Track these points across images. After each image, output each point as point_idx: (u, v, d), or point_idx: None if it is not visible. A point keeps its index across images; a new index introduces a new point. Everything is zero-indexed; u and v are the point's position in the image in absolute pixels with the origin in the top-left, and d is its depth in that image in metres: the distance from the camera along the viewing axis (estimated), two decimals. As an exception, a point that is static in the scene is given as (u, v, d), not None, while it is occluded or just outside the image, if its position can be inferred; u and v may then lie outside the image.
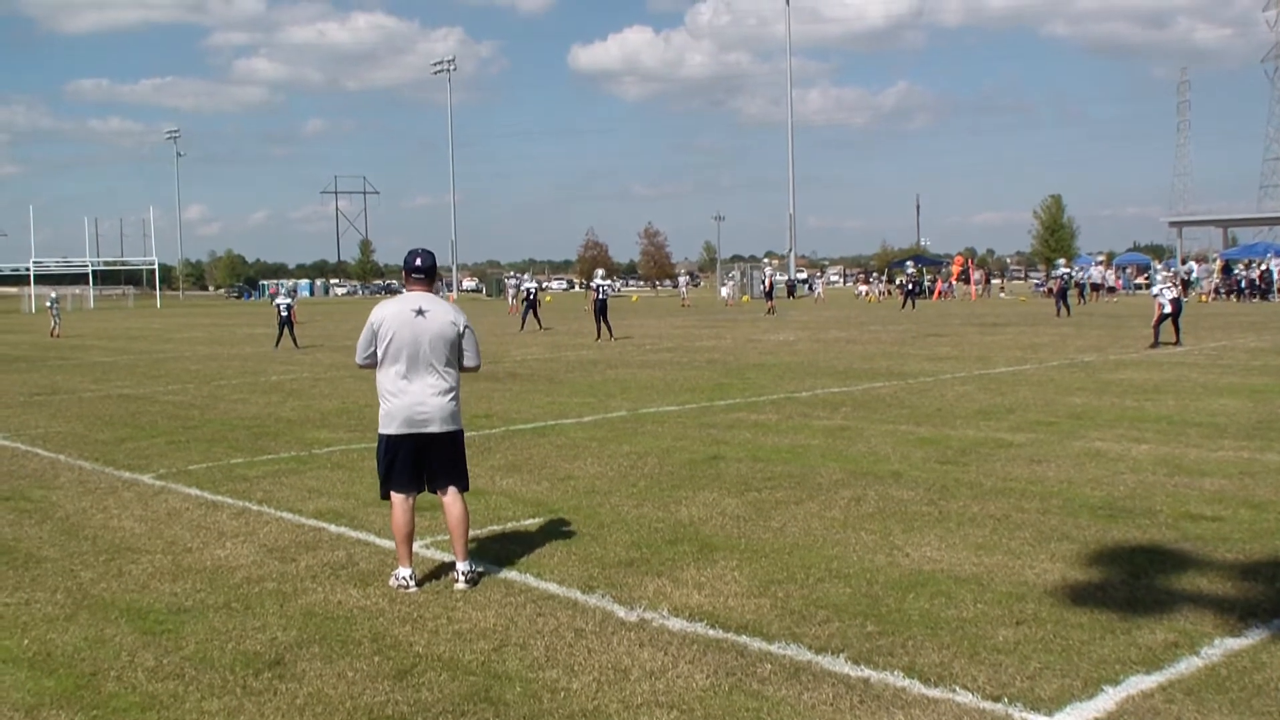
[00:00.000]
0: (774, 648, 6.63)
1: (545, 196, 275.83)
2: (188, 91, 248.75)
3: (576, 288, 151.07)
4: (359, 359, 8.28)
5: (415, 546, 8.48)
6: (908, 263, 71.72)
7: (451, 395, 8.17)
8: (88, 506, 11.31)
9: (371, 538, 9.62)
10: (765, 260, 73.34)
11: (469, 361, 8.39)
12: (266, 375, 25.66)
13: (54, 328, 49.58)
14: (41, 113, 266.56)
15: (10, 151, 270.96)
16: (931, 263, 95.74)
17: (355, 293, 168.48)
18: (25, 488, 12.46)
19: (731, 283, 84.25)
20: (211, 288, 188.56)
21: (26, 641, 7.14)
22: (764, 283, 62.75)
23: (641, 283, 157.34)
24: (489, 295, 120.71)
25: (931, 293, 75.95)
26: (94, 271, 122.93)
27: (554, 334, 39.91)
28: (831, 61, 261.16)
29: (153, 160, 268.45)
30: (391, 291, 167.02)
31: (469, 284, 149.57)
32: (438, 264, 8.44)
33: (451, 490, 8.20)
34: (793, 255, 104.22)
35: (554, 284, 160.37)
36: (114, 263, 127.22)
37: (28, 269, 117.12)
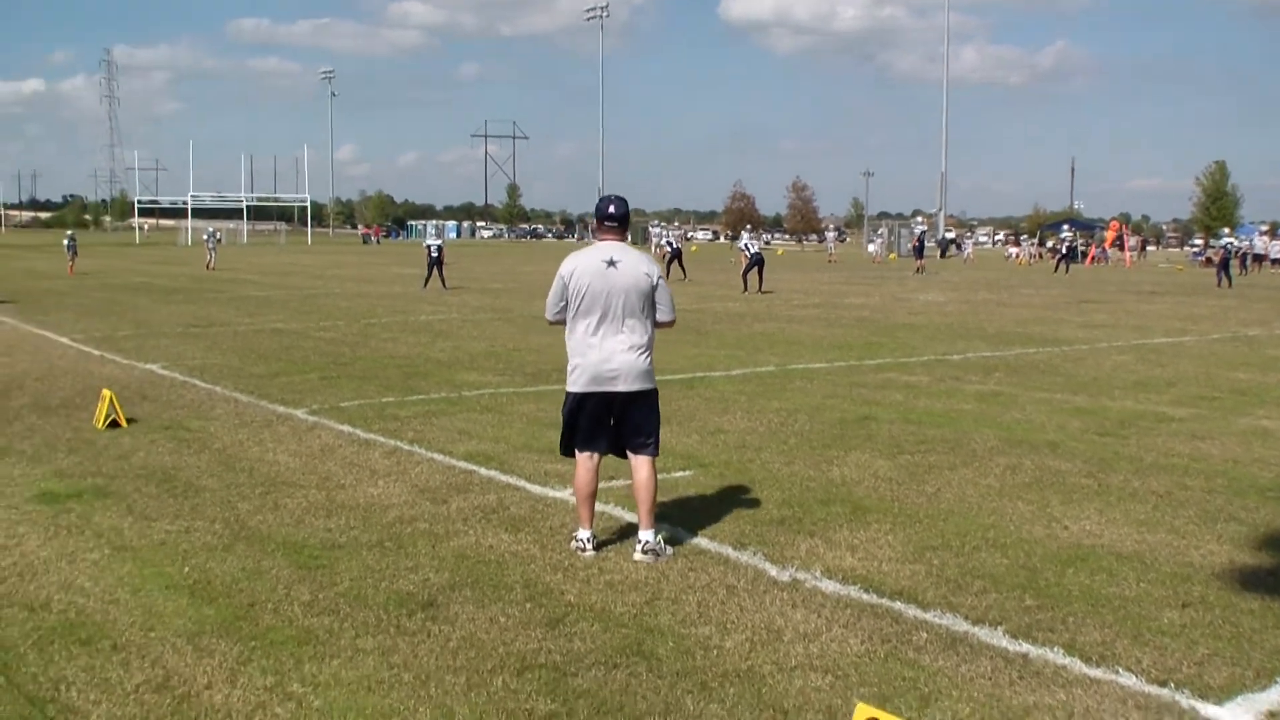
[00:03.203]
0: (930, 616, 6.50)
1: (692, 147, 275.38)
2: (344, 33, 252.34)
3: (721, 239, 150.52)
4: (549, 315, 7.99)
5: (568, 498, 8.45)
6: (1063, 226, 70.32)
7: (643, 352, 7.68)
8: (244, 439, 11.49)
9: (522, 483, 9.63)
10: (916, 219, 72.13)
11: (663, 316, 7.86)
12: (416, 315, 25.95)
13: (210, 261, 50.66)
14: (203, 51, 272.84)
15: (173, 89, 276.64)
16: (1085, 227, 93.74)
17: (501, 235, 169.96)
18: (183, 418, 12.70)
19: (879, 240, 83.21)
20: (361, 226, 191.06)
21: (187, 569, 7.25)
22: (913, 241, 61.91)
23: (787, 237, 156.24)
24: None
25: (1084, 258, 74.30)
26: (248, 207, 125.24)
27: (698, 285, 39.76)
28: (989, 18, 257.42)
29: (308, 100, 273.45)
30: (536, 236, 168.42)
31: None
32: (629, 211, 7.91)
33: (639, 454, 7.78)
34: (942, 215, 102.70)
35: (699, 234, 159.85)
36: (266, 199, 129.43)
37: (185, 203, 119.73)
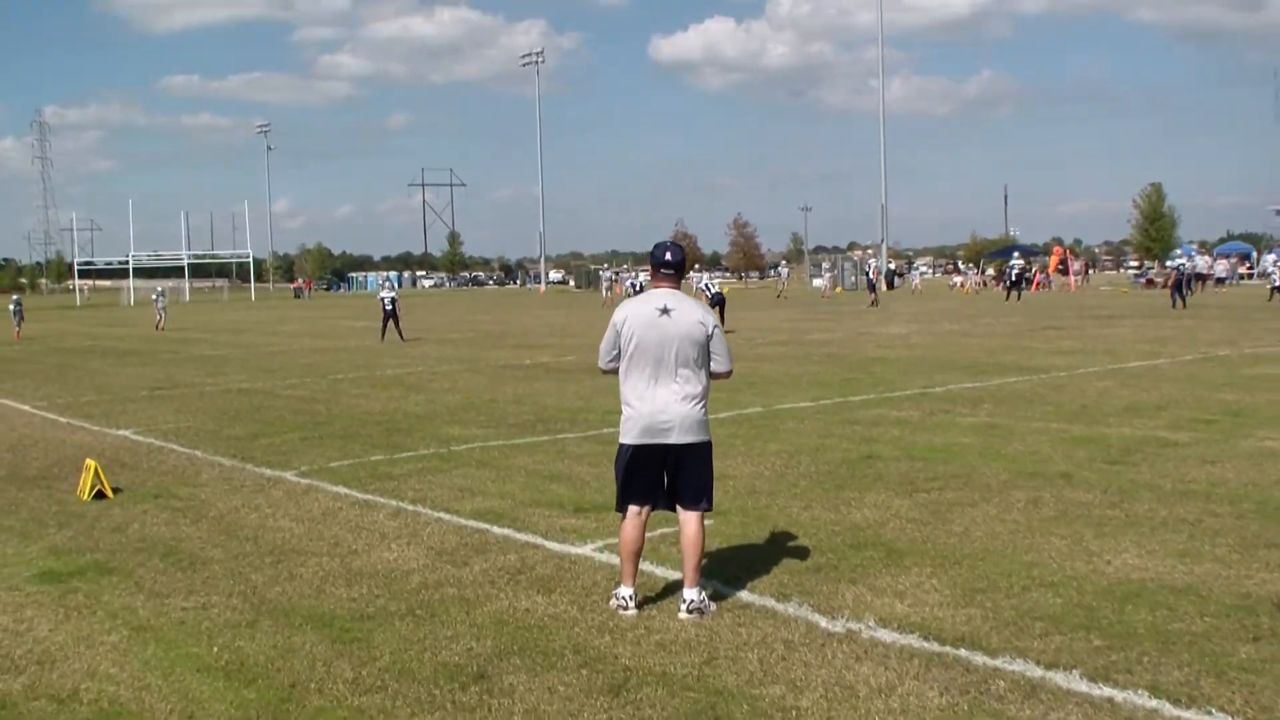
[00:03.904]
0: (1000, 662, 6.28)
1: (627, 188, 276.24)
2: (275, 86, 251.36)
3: (626, 280, 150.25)
4: (601, 363, 7.72)
5: (591, 550, 8.20)
6: (1013, 253, 70.80)
7: (698, 402, 7.41)
8: (239, 505, 11.16)
9: (540, 540, 9.36)
10: (866, 251, 72.34)
11: (719, 366, 7.55)
12: (381, 369, 25.56)
13: (159, 321, 49.95)
14: (135, 110, 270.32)
15: (106, 147, 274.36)
16: (1028, 253, 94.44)
17: (443, 284, 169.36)
18: (170, 485, 12.35)
19: (828, 274, 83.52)
20: (301, 280, 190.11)
21: (216, 649, 6.93)
22: (869, 274, 62.13)
23: (728, 274, 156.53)
24: (579, 287, 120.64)
25: (1030, 284, 74.79)
26: (188, 265, 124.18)
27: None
28: (914, 51, 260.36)
29: (242, 155, 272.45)
30: (478, 283, 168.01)
31: (555, 275, 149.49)
32: (679, 258, 7.72)
33: (691, 509, 7.49)
34: (884, 246, 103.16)
35: (642, 276, 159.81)
36: (204, 256, 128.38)
37: (124, 262, 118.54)
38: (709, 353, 7.49)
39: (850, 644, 6.66)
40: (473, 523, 10.03)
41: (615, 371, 7.64)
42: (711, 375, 7.57)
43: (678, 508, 7.56)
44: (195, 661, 6.75)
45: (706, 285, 36.51)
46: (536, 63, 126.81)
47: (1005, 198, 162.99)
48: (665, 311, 7.39)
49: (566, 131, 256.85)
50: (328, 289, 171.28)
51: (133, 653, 6.95)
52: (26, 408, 20.23)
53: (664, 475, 7.53)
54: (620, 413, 7.61)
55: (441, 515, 10.37)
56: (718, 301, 34.80)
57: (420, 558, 8.94)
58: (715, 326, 7.58)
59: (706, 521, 8.89)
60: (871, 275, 60.73)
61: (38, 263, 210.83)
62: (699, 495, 7.52)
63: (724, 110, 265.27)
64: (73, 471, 12.99)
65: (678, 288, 7.62)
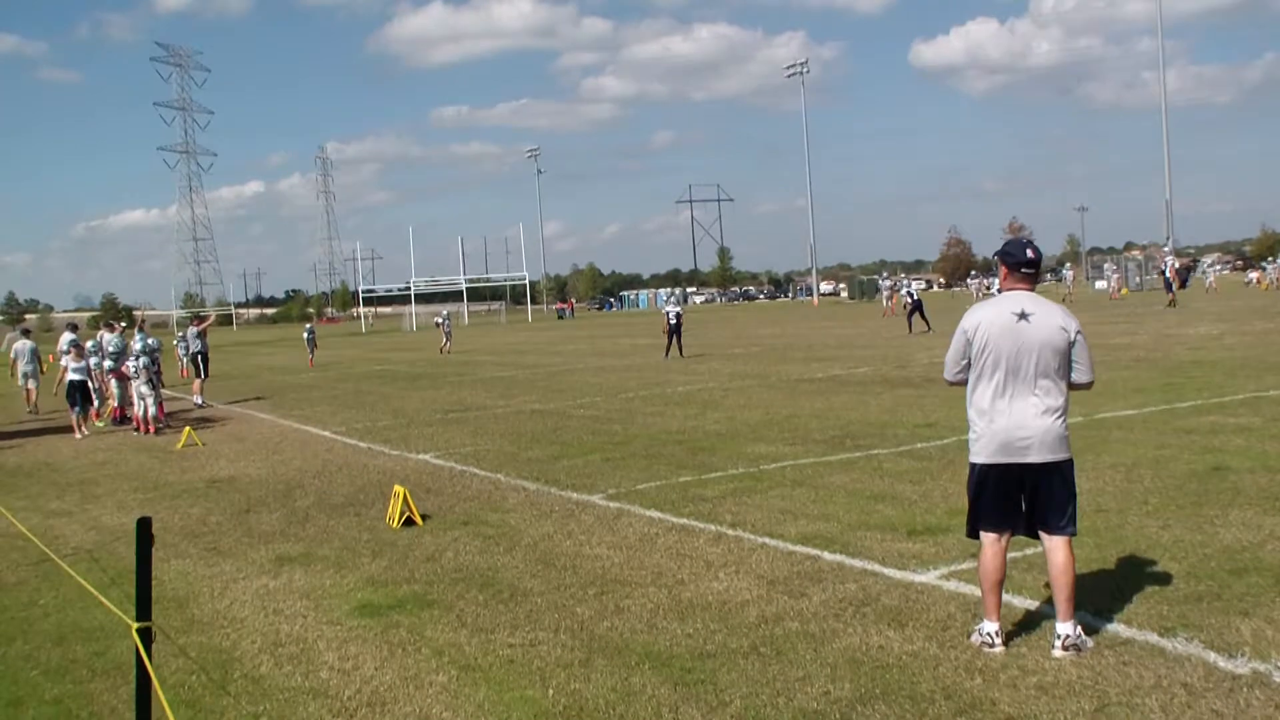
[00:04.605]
0: None
1: (893, 196, 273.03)
2: (541, 112, 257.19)
3: (935, 287, 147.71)
4: (949, 375, 7.04)
5: (948, 582, 7.46)
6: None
7: (1059, 416, 6.69)
8: (551, 531, 10.77)
9: (878, 567, 8.67)
10: (1160, 249, 69.32)
11: (1080, 376, 6.84)
12: (671, 386, 25.17)
13: (445, 344, 50.94)
14: (409, 141, 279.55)
15: (382, 179, 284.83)
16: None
17: (714, 300, 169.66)
18: (478, 510, 12.08)
19: (1115, 274, 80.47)
20: (564, 301, 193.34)
21: (551, 692, 6.46)
22: (1164, 271, 59.43)
23: (982, 278, 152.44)
24: (852, 298, 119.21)
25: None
26: (465, 289, 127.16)
27: (946, 335, 38.27)
28: (1189, 39, 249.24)
29: (511, 180, 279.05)
30: (749, 298, 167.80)
31: (826, 287, 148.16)
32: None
33: (1056, 534, 6.73)
34: (1171, 243, 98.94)
35: (915, 284, 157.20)
36: (480, 280, 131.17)
37: (405, 288, 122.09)
38: (1071, 361, 6.70)
39: (1264, 689, 5.81)
40: (801, 548, 9.40)
41: (963, 383, 6.92)
42: (1072, 386, 6.79)
43: (1040, 533, 6.80)
44: (532, 706, 6.30)
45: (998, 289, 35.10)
46: (801, 73, 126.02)
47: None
48: (1024, 316, 6.66)
49: (830, 142, 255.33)
50: (600, 308, 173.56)
51: (464, 694, 6.55)
52: (327, 434, 20.49)
53: (1022, 497, 6.76)
54: (966, 428, 6.92)
55: (765, 540, 9.76)
56: (917, 307, 33.35)
57: (752, 588, 8.34)
58: (1078, 332, 6.77)
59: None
60: (1168, 274, 57.86)
61: (323, 292, 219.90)
62: (1064, 518, 6.75)
63: (990, 113, 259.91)
64: (379, 498, 12.89)
65: (1033, 289, 6.85)
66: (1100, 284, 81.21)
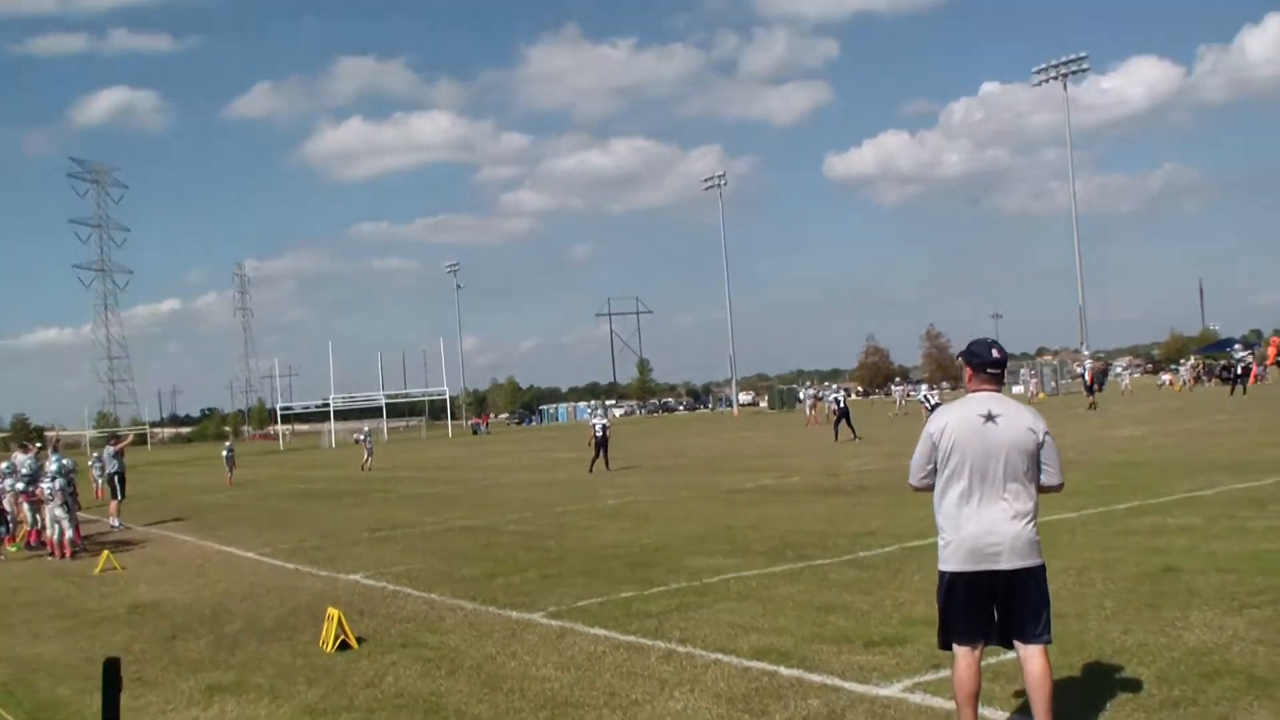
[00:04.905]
0: None
1: (809, 305, 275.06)
2: (459, 227, 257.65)
3: (853, 395, 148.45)
4: (913, 479, 6.81)
5: (915, 695, 7.20)
6: (1235, 345, 68.10)
7: (1029, 520, 6.47)
8: (494, 652, 10.41)
9: (838, 681, 8.40)
10: (1075, 353, 70.26)
11: (1050, 479, 6.64)
12: (601, 500, 24.82)
13: (366, 461, 50.30)
14: (327, 258, 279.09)
15: (301, 295, 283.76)
16: (1225, 347, 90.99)
17: (634, 412, 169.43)
18: (416, 632, 11.69)
19: (1034, 378, 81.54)
20: (493, 415, 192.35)
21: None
22: (1084, 375, 60.20)
23: (907, 386, 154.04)
24: (772, 408, 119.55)
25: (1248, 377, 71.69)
26: (385, 405, 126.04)
27: (874, 443, 38.30)
28: (1093, 149, 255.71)
29: (430, 295, 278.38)
30: (668, 409, 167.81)
31: (745, 398, 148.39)
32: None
33: (1032, 643, 6.50)
34: (1085, 348, 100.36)
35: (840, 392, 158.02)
36: (398, 396, 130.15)
37: (324, 405, 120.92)
38: (1039, 463, 6.51)
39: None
40: (756, 663, 9.11)
41: (929, 489, 6.71)
42: (1041, 489, 6.61)
43: (1015, 642, 6.56)
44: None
45: (926, 397, 35.34)
46: (719, 185, 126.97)
47: (1200, 291, 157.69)
48: (991, 418, 6.49)
49: (746, 253, 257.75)
50: (520, 422, 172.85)
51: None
52: (251, 555, 19.95)
53: (994, 605, 6.53)
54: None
55: (718, 656, 9.47)
56: (844, 415, 33.75)
57: (712, 707, 8.05)
58: (1046, 434, 6.60)
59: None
60: (1087, 378, 58.56)
61: (240, 410, 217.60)
62: (1039, 626, 6.52)
63: (903, 222, 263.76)
64: (311, 621, 12.46)
65: (1000, 390, 6.69)
66: (1017, 388, 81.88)
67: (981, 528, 6.38)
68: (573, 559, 15.91)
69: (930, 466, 6.61)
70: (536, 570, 15.09)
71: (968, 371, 6.74)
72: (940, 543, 6.58)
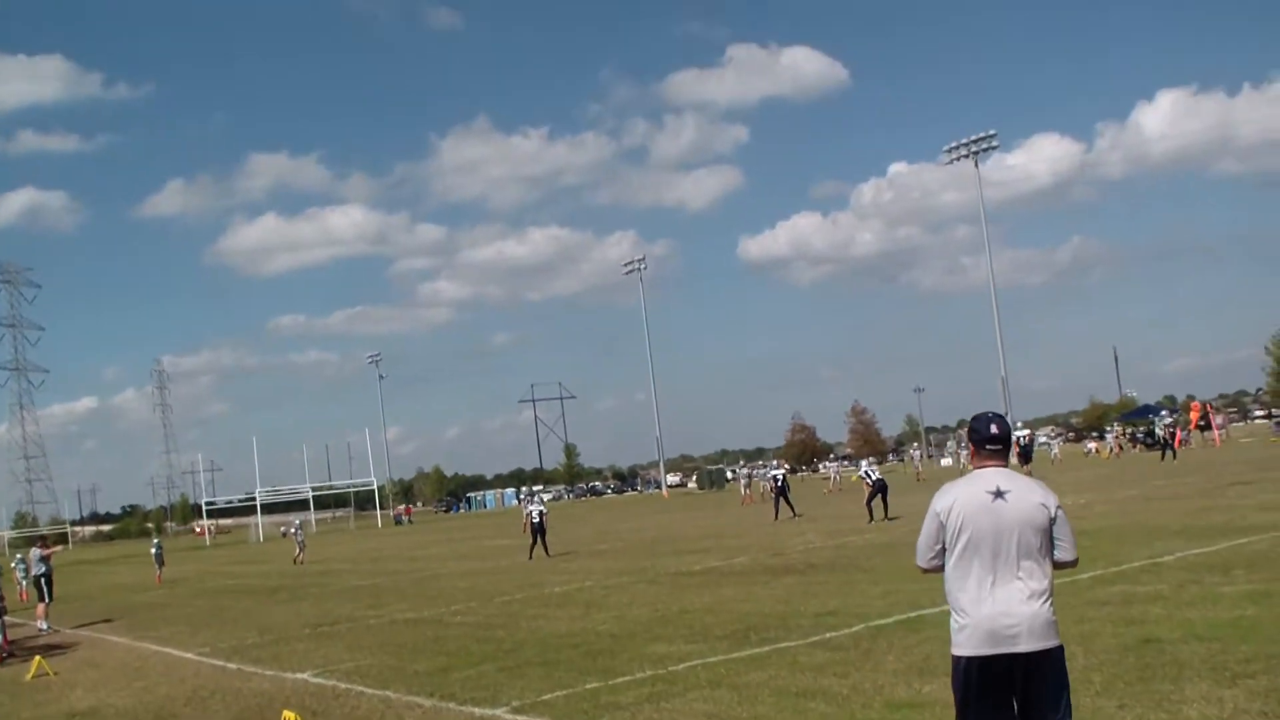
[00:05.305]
0: None
1: (730, 386, 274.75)
2: (378, 318, 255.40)
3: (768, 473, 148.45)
4: (922, 562, 6.45)
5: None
6: (1163, 412, 68.85)
7: (1046, 599, 6.13)
8: (463, 753, 9.97)
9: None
10: (1018, 423, 70.81)
11: (1064, 554, 6.31)
12: (546, 587, 24.31)
13: (298, 554, 49.34)
14: (246, 352, 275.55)
15: (220, 390, 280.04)
16: (1151, 412, 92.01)
17: (561, 497, 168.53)
18: (375, 734, 11.21)
19: (965, 451, 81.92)
20: (420, 503, 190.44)
21: None
22: (1021, 443, 60.55)
23: (845, 462, 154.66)
24: (702, 488, 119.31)
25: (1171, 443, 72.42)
26: (311, 497, 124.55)
27: (814, 520, 38.02)
28: (1002, 224, 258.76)
29: (350, 386, 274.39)
30: (596, 493, 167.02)
31: (672, 479, 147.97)
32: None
33: None
34: (1010, 418, 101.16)
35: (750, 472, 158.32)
36: (323, 487, 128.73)
37: (250, 499, 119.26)
38: (1053, 539, 6.25)
39: None
40: (743, 756, 8.75)
41: (937, 570, 6.38)
42: (1056, 565, 6.32)
43: None
44: None
45: (867, 472, 35.21)
46: (639, 269, 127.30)
47: (1115, 359, 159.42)
48: (1000, 494, 6.18)
49: (665, 335, 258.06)
50: (447, 510, 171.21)
51: None
52: (190, 655, 19.32)
53: (1011, 692, 6.23)
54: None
55: (703, 750, 9.09)
56: (880, 488, 33.57)
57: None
58: (1058, 508, 6.30)
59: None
60: (1016, 449, 58.83)
61: (162, 506, 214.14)
62: (1059, 712, 6.18)
63: (819, 301, 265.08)
64: (264, 726, 11.93)
65: (1005, 465, 6.43)
66: (945, 460, 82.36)
67: (997, 609, 6.07)
68: (528, 649, 15.46)
69: (939, 547, 6.31)
70: (492, 663, 14.63)
71: (970, 449, 6.48)
72: (954, 625, 6.26)
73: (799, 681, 11.29)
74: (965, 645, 6.14)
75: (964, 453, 78.15)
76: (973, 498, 6.17)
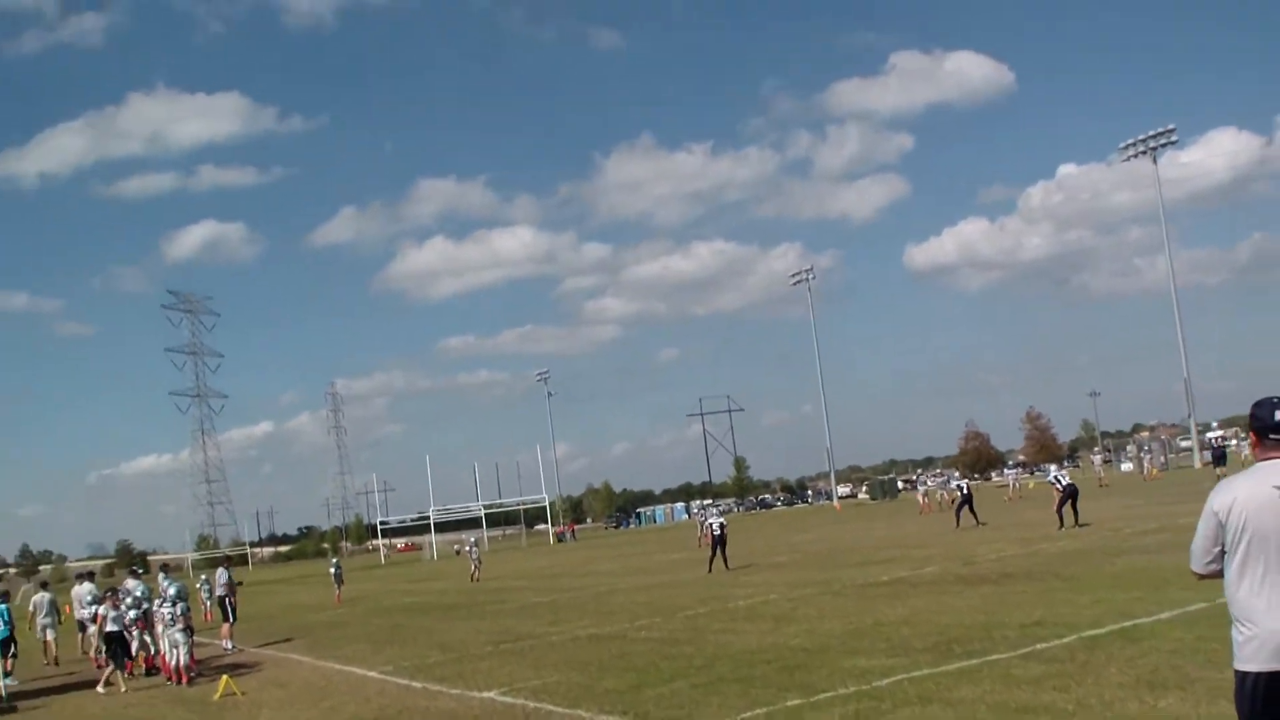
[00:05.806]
0: None
1: (899, 395, 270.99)
2: (545, 337, 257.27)
3: (951, 482, 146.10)
4: (1197, 566, 5.76)
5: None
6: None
7: None
8: (665, 775, 9.48)
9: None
10: (1214, 425, 68.47)
11: None
12: (729, 600, 23.79)
13: (474, 571, 49.46)
14: (417, 374, 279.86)
15: (392, 411, 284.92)
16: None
17: (731, 510, 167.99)
18: (571, 754, 10.78)
19: (1147, 455, 79.67)
20: (590, 520, 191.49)
21: None
22: (1212, 449, 58.64)
23: (1021, 469, 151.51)
24: (873, 499, 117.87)
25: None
26: (484, 515, 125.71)
27: (998, 529, 36.95)
28: (1178, 223, 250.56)
29: (519, 404, 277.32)
30: (766, 506, 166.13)
31: (842, 490, 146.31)
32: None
33: None
34: (1193, 421, 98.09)
35: (930, 480, 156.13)
36: (494, 505, 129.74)
37: (424, 518, 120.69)
38: None
39: None
40: (971, 778, 8.12)
41: (1215, 575, 5.68)
42: None
43: None
44: None
45: (1057, 478, 34.16)
46: (807, 280, 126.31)
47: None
48: None
49: (832, 345, 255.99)
50: (616, 526, 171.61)
51: None
52: (374, 674, 19.16)
53: None
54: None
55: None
56: (1071, 493, 32.51)
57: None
58: None
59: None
60: (1213, 451, 56.89)
61: (337, 527, 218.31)
62: None
63: (988, 307, 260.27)
64: (457, 746, 11.58)
65: None
66: (1126, 466, 79.99)
67: None
68: (720, 665, 14.94)
69: (1217, 549, 5.61)
70: (684, 680, 14.15)
71: (1252, 437, 5.76)
72: (1238, 638, 5.56)
73: (1017, 696, 10.60)
74: (1251, 660, 5.45)
75: (1146, 458, 76.12)
76: (1257, 494, 5.48)
